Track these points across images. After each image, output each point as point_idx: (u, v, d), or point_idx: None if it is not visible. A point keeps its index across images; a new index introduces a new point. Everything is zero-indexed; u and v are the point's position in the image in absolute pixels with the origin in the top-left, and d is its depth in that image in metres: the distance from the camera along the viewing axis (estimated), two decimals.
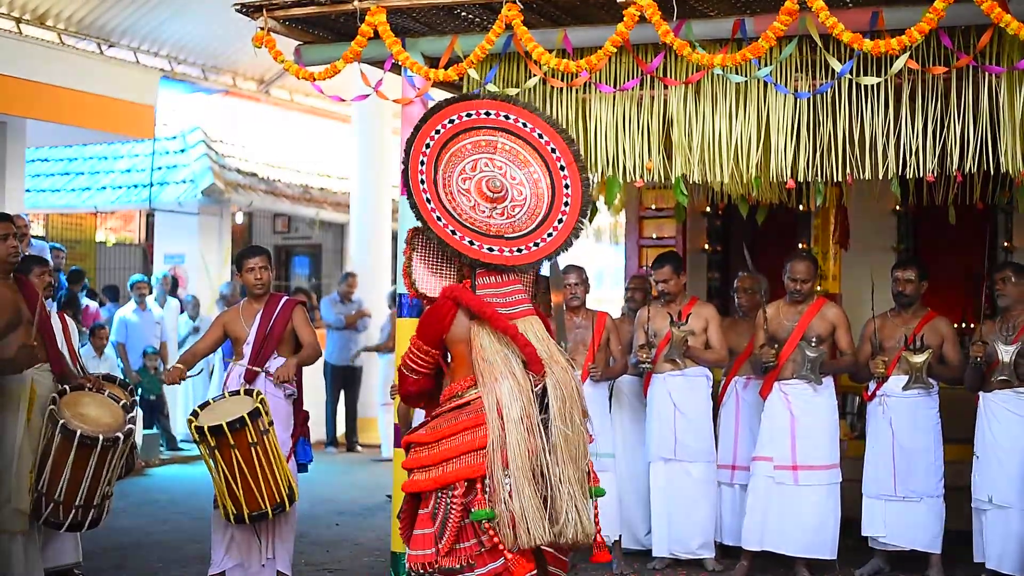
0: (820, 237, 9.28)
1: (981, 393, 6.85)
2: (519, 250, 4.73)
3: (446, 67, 6.68)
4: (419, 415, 5.86)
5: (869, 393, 7.21)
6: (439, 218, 4.69)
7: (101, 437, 6.02)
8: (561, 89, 6.77)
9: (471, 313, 4.67)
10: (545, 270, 6.91)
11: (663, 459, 7.44)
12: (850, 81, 6.17)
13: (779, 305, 7.28)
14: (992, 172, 6.27)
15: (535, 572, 4.60)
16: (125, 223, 17.08)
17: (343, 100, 7.70)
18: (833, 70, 6.06)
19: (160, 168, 14.48)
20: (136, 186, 14.76)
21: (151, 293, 12.67)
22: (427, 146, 4.82)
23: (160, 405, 12.42)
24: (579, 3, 6.47)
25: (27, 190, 12.97)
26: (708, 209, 9.93)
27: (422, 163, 4.77)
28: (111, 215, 16.62)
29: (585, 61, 6.27)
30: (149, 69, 12.75)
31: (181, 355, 6.68)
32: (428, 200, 4.71)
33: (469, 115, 4.93)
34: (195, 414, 6.14)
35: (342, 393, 13.35)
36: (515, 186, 4.82)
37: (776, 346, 7.08)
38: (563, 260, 7.58)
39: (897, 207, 9.39)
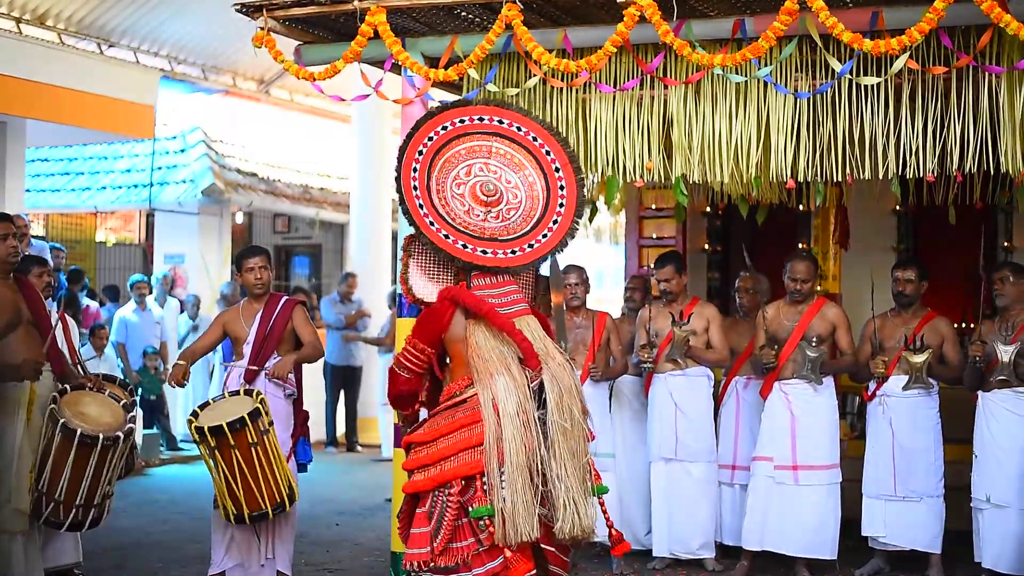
0: (820, 237, 9.28)
1: (980, 393, 6.86)
2: (513, 252, 4.77)
3: (446, 67, 6.68)
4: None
5: (869, 393, 7.21)
6: (432, 223, 4.73)
7: (101, 436, 6.02)
8: (561, 89, 6.77)
9: (468, 312, 4.69)
10: (545, 270, 6.94)
11: (664, 459, 7.44)
12: (850, 81, 6.17)
13: (779, 305, 7.28)
14: (992, 172, 6.27)
15: (535, 572, 4.60)
16: (125, 223, 17.08)
17: (343, 100, 7.70)
18: (833, 70, 6.06)
19: (160, 168, 14.48)
20: (136, 186, 14.76)
21: (151, 293, 12.67)
22: (420, 152, 4.86)
23: (160, 405, 12.42)
24: (579, 3, 6.47)
25: (27, 190, 12.97)
26: (708, 209, 9.93)
27: (415, 169, 4.81)
28: (111, 215, 16.63)
29: (585, 61, 6.27)
30: (149, 69, 12.75)
31: (180, 353, 6.68)
32: (421, 206, 4.75)
33: (462, 121, 4.97)
34: (195, 414, 6.14)
35: (342, 393, 13.36)
36: (510, 189, 4.85)
37: (776, 346, 7.08)
38: (563, 260, 7.61)
39: (897, 207, 9.39)
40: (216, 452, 5.98)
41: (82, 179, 15.46)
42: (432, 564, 4.58)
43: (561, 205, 4.91)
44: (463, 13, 6.68)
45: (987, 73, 5.97)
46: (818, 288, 8.00)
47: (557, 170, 4.96)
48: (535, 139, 5.00)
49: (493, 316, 4.65)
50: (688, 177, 6.76)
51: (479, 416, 4.55)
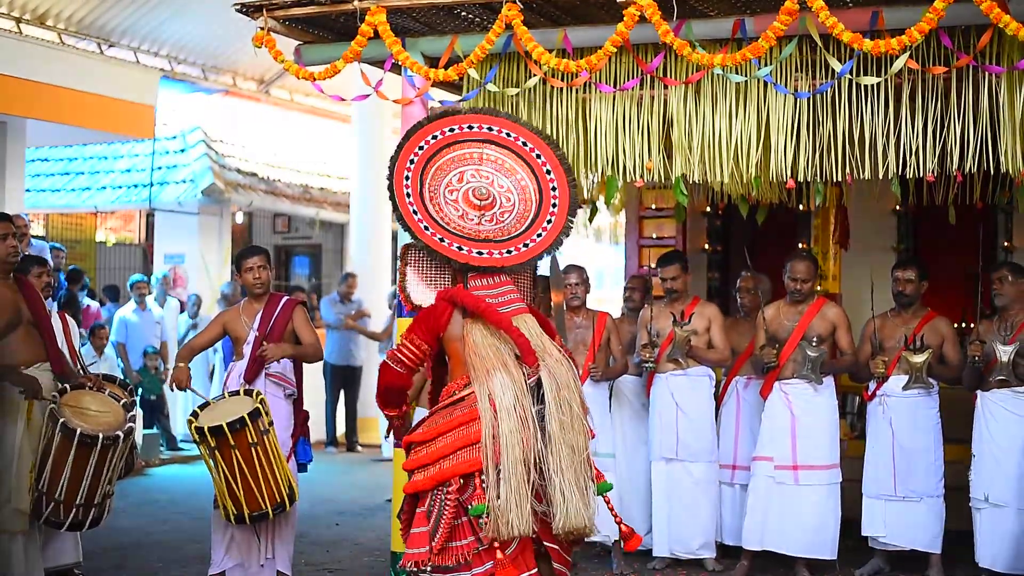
0: (820, 237, 9.28)
1: (979, 392, 6.86)
2: (509, 252, 4.81)
3: (446, 67, 6.69)
4: (418, 415, 5.88)
5: (869, 393, 7.21)
6: (427, 228, 4.78)
7: (101, 436, 6.02)
8: (561, 89, 6.77)
9: (466, 312, 4.71)
10: (545, 270, 6.94)
11: (665, 459, 7.44)
12: (850, 81, 6.17)
13: (779, 305, 7.28)
14: (992, 172, 6.27)
15: (534, 571, 4.61)
16: (125, 223, 17.08)
17: (343, 100, 7.71)
18: (833, 70, 6.06)
19: (160, 168, 14.47)
20: (136, 186, 14.75)
21: (151, 293, 12.67)
22: (411, 161, 4.92)
23: (160, 405, 12.42)
24: (579, 3, 6.47)
25: (27, 190, 12.97)
26: (708, 209, 9.93)
27: (407, 178, 4.87)
28: (111, 215, 16.62)
29: (585, 61, 6.27)
30: (149, 69, 12.75)
31: (179, 350, 6.68)
32: (415, 211, 4.80)
33: (452, 130, 5.04)
34: (195, 414, 6.14)
35: (342, 393, 13.36)
36: (503, 194, 4.90)
37: (777, 346, 7.08)
38: (564, 260, 7.62)
39: (897, 207, 9.39)
40: (216, 452, 5.98)
41: (82, 179, 15.46)
42: (431, 563, 4.58)
43: (554, 206, 4.95)
44: (463, 13, 6.68)
45: (987, 73, 5.97)
46: (818, 288, 8.00)
47: (548, 172, 5.01)
48: (525, 144, 5.06)
49: (490, 314, 4.68)
50: (688, 177, 6.76)
51: (476, 414, 4.56)
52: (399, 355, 4.83)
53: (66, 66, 10.90)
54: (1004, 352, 6.69)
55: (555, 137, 6.83)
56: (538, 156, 5.03)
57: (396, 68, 6.89)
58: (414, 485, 4.70)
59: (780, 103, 6.37)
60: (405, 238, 5.03)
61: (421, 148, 4.96)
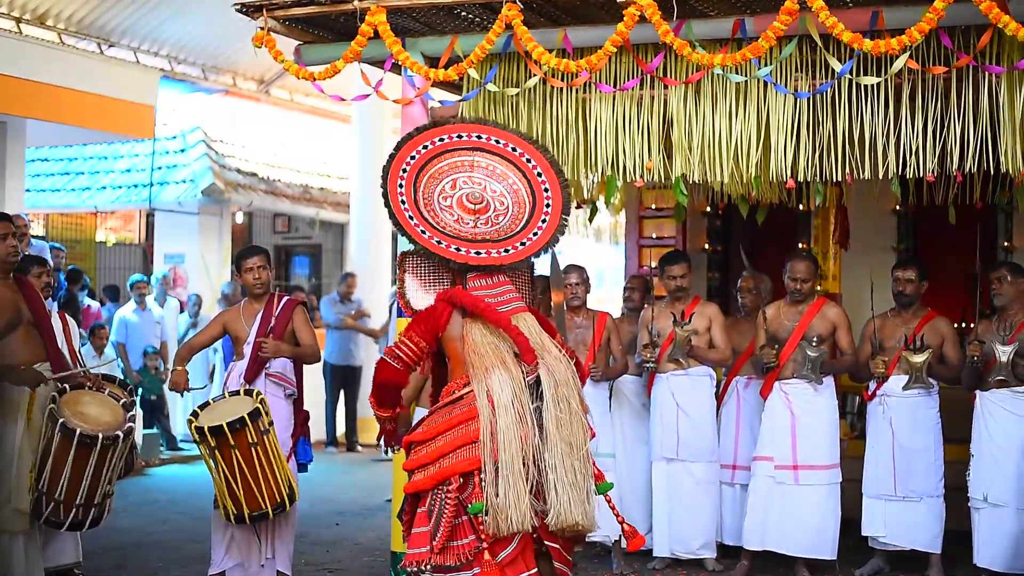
0: (820, 237, 9.28)
1: (978, 392, 6.86)
2: (507, 250, 4.85)
3: (446, 67, 6.69)
4: (418, 415, 5.88)
5: (869, 393, 7.21)
6: (423, 232, 4.83)
7: (101, 435, 6.02)
8: (561, 89, 6.77)
9: (466, 312, 4.73)
10: (546, 270, 6.94)
11: (665, 459, 7.43)
12: (850, 81, 6.17)
13: (780, 305, 7.28)
14: (992, 172, 6.27)
15: (534, 571, 4.61)
16: (125, 223, 17.08)
17: (343, 100, 7.71)
18: (833, 70, 6.06)
19: (160, 168, 14.47)
20: (136, 186, 14.75)
21: (151, 293, 12.67)
22: (403, 171, 4.97)
23: (160, 405, 12.42)
24: (579, 3, 6.48)
25: (27, 190, 12.96)
26: (708, 209, 9.93)
27: (400, 186, 4.93)
28: (111, 215, 16.62)
29: (585, 61, 6.27)
30: (149, 69, 12.75)
31: (178, 350, 6.69)
32: (411, 217, 4.86)
33: (442, 139, 5.10)
34: (195, 414, 6.14)
35: (342, 393, 13.36)
36: (496, 198, 4.95)
37: (777, 346, 7.08)
38: (564, 260, 7.62)
39: (897, 207, 9.39)
40: (216, 452, 5.98)
41: (82, 179, 15.45)
42: (432, 563, 4.58)
43: (547, 206, 5.01)
44: (463, 13, 6.69)
45: (987, 73, 5.97)
46: (818, 288, 8.00)
47: (539, 175, 5.07)
48: (515, 149, 5.13)
49: (489, 312, 4.70)
50: (688, 177, 6.76)
51: (476, 412, 4.57)
52: (397, 351, 4.84)
53: (66, 66, 10.89)
54: (1003, 352, 6.69)
55: (555, 137, 6.85)
56: (528, 160, 5.10)
57: (396, 68, 6.90)
58: (414, 485, 4.70)
59: (780, 103, 6.37)
60: (404, 241, 5.05)
61: (412, 158, 5.01)
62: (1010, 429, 6.71)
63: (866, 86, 6.14)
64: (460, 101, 7.07)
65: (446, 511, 4.57)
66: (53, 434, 5.98)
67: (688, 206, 8.69)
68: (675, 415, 7.39)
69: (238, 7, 6.92)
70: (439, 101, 7.45)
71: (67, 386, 6.22)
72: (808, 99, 6.30)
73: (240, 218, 15.95)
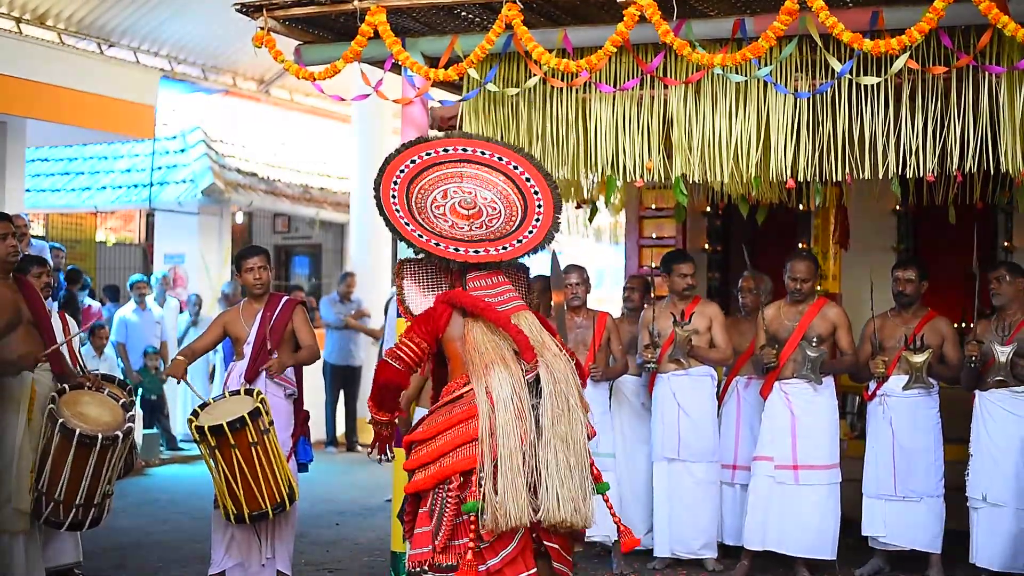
0: (820, 237, 9.28)
1: (977, 392, 6.86)
2: (504, 248, 4.88)
3: (446, 67, 6.69)
4: (418, 415, 5.88)
5: (869, 393, 7.21)
6: (420, 236, 4.85)
7: (100, 436, 6.02)
8: (561, 89, 6.77)
9: (465, 312, 4.74)
10: (545, 270, 6.94)
11: (667, 459, 7.43)
12: (850, 81, 6.17)
13: (780, 305, 7.28)
14: (992, 172, 6.27)
15: (534, 571, 4.61)
16: (125, 223, 17.08)
17: (343, 100, 7.72)
18: (833, 70, 6.06)
19: (160, 168, 14.48)
20: (136, 186, 14.75)
21: (151, 293, 12.67)
22: (395, 183, 5.05)
23: (160, 405, 12.42)
24: (579, 3, 6.47)
25: (27, 190, 12.97)
26: (708, 209, 9.93)
27: (393, 196, 4.98)
28: (111, 215, 16.62)
29: (585, 61, 6.27)
30: (149, 69, 12.75)
31: (180, 351, 6.69)
32: (407, 224, 4.89)
33: (428, 154, 5.17)
34: (195, 414, 6.14)
35: (342, 393, 13.36)
36: (487, 204, 5.02)
37: (777, 346, 7.08)
38: (564, 260, 7.62)
39: (897, 207, 9.38)
40: (216, 452, 5.98)
41: (82, 179, 15.46)
42: (434, 563, 4.58)
43: (539, 207, 5.07)
44: (463, 13, 6.68)
45: (987, 73, 5.97)
46: (818, 288, 8.00)
47: (528, 180, 5.14)
48: (501, 159, 5.19)
49: (488, 311, 4.72)
50: (688, 177, 6.76)
51: (476, 411, 4.57)
52: (398, 352, 4.85)
53: (66, 66, 10.90)
54: (1002, 353, 6.69)
55: (555, 137, 6.86)
56: (515, 168, 5.17)
57: (396, 68, 6.89)
58: (415, 485, 4.70)
59: (780, 103, 6.37)
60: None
61: (402, 172, 5.08)
62: (1009, 429, 6.71)
63: (866, 86, 6.14)
64: (460, 101, 7.07)
65: (447, 510, 4.57)
66: (53, 434, 5.98)
67: (688, 206, 8.69)
68: (676, 415, 7.39)
69: (238, 7, 6.92)
70: (439, 101, 7.46)
71: (66, 386, 6.22)
72: (808, 99, 6.30)
73: (240, 218, 15.95)
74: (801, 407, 7.06)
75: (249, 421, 5.95)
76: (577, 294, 7.47)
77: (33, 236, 10.00)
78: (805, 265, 7.19)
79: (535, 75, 6.55)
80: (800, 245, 9.38)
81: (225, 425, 5.91)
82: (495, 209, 5.00)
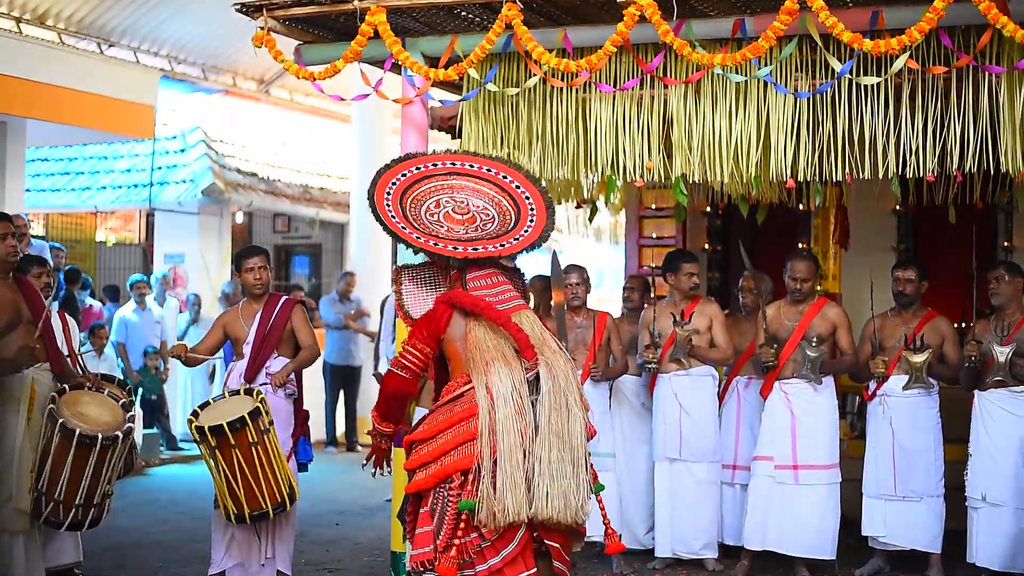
0: (820, 237, 9.28)
1: (976, 392, 6.86)
2: (503, 244, 4.90)
3: (446, 67, 6.69)
4: (418, 415, 5.88)
5: (869, 393, 7.21)
6: (418, 237, 4.89)
7: (100, 436, 6.02)
8: (561, 89, 6.77)
9: (466, 312, 4.75)
10: (546, 270, 6.94)
11: (668, 459, 7.43)
12: (850, 81, 6.17)
13: (780, 305, 7.28)
14: (992, 172, 6.27)
15: (534, 571, 4.61)
16: (125, 223, 17.08)
17: (343, 100, 7.72)
18: (833, 70, 6.06)
19: (160, 168, 14.48)
20: (136, 186, 14.75)
21: (151, 293, 12.67)
22: (388, 193, 5.08)
23: (160, 405, 12.42)
24: (579, 3, 6.47)
25: (27, 190, 12.97)
26: (708, 209, 9.93)
27: (388, 204, 5.00)
28: (111, 215, 16.62)
29: (585, 61, 6.27)
30: (149, 69, 12.75)
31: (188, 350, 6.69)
32: (404, 228, 4.91)
33: (418, 168, 5.22)
34: (195, 414, 6.14)
35: (342, 392, 13.36)
36: (480, 211, 5.07)
37: (776, 346, 7.08)
38: (564, 260, 7.62)
39: (897, 207, 9.38)
40: (216, 452, 5.98)
41: (82, 179, 15.46)
42: (436, 562, 4.58)
43: (532, 210, 5.10)
44: (463, 13, 6.68)
45: (987, 73, 5.97)
46: (818, 288, 8.00)
47: (518, 187, 5.18)
48: (489, 170, 5.24)
49: (489, 310, 4.73)
50: (688, 177, 6.76)
51: (476, 409, 4.57)
52: (403, 361, 4.86)
53: (66, 66, 10.90)
54: (1001, 353, 6.69)
55: (555, 137, 6.86)
56: (504, 177, 5.22)
57: (396, 68, 6.89)
58: (416, 484, 4.70)
59: (780, 103, 6.37)
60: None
61: (394, 183, 5.13)
62: (1008, 429, 6.71)
63: (866, 86, 6.14)
64: (460, 101, 7.07)
65: (448, 509, 4.57)
66: (52, 434, 5.98)
67: (688, 206, 8.69)
68: (678, 415, 7.39)
69: (238, 7, 6.92)
70: (439, 101, 7.45)
71: (66, 386, 6.22)
72: (808, 99, 6.30)
73: (240, 218, 15.95)
74: (801, 407, 7.06)
75: (249, 421, 5.95)
76: (577, 294, 7.47)
77: (33, 236, 10.00)
78: (805, 265, 7.19)
79: (535, 75, 6.55)
80: (800, 245, 9.38)
81: (225, 425, 5.91)
82: (488, 215, 5.04)
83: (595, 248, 18.00)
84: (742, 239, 8.11)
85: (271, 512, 6.08)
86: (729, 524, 7.55)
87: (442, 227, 4.96)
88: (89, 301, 12.20)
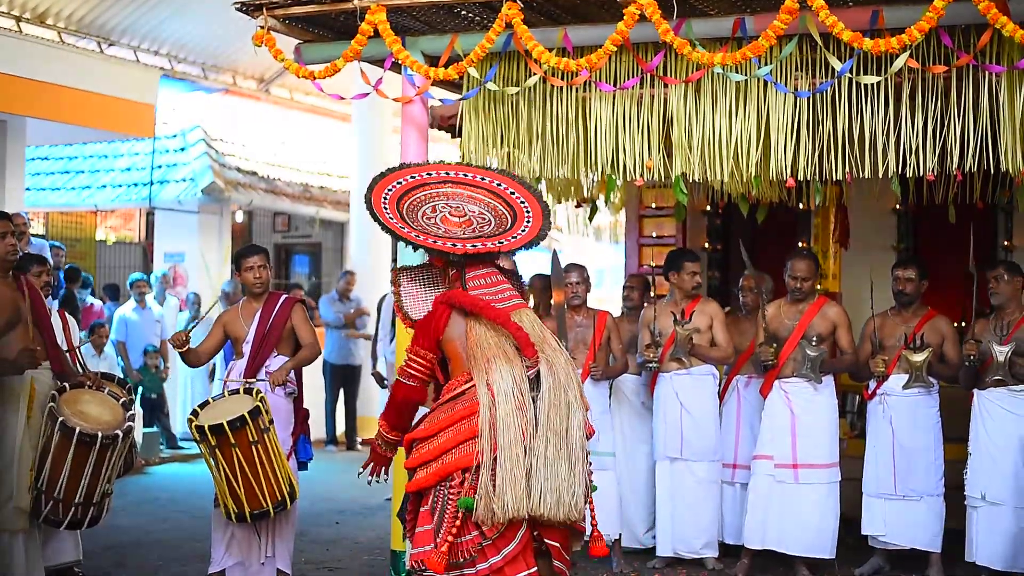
0: (820, 236, 9.28)
1: (975, 391, 6.86)
2: (501, 243, 4.91)
3: (446, 66, 6.69)
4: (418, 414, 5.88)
5: (869, 392, 7.21)
6: (417, 236, 4.90)
7: (100, 434, 6.02)
8: (561, 88, 6.77)
9: (465, 312, 4.75)
10: (546, 269, 6.93)
11: (669, 458, 7.43)
12: (850, 80, 6.17)
13: (780, 304, 7.29)
14: (992, 172, 6.27)
15: (534, 570, 4.61)
16: (125, 222, 17.08)
17: (343, 99, 7.72)
18: (833, 69, 6.06)
19: (160, 167, 14.47)
20: (136, 184, 14.75)
21: (151, 291, 12.67)
22: (385, 198, 5.13)
23: (160, 404, 12.42)
24: (579, 2, 6.48)
25: (27, 188, 12.97)
26: (708, 208, 9.93)
27: (385, 208, 5.06)
28: (111, 213, 16.62)
29: (585, 60, 6.27)
30: (149, 68, 12.75)
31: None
32: (402, 227, 4.93)
33: (413, 177, 5.25)
34: (195, 413, 6.14)
35: (341, 391, 13.36)
36: (476, 216, 5.09)
37: (775, 344, 7.08)
38: (564, 259, 7.62)
39: (897, 206, 9.39)
40: (217, 451, 5.98)
41: (82, 178, 15.46)
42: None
43: (528, 212, 5.12)
44: (463, 12, 6.68)
45: (987, 72, 5.97)
46: (818, 287, 8.00)
47: (512, 193, 5.20)
48: (483, 179, 5.27)
49: (488, 310, 4.74)
50: (688, 176, 6.76)
51: (477, 407, 4.58)
52: (409, 370, 4.86)
53: (66, 65, 10.90)
54: (1000, 352, 6.70)
55: (555, 136, 6.87)
56: (498, 184, 5.24)
57: (396, 67, 6.89)
58: (417, 483, 4.70)
59: (780, 102, 6.37)
60: (401, 245, 5.13)
61: (390, 190, 5.17)
62: (1007, 428, 6.72)
63: (866, 85, 6.14)
64: (460, 100, 7.07)
65: (449, 507, 4.57)
66: (52, 432, 5.98)
67: (688, 205, 8.69)
68: (679, 415, 7.39)
69: (238, 6, 6.92)
70: (439, 100, 7.46)
71: (66, 385, 6.22)
72: (808, 98, 6.30)
73: (240, 217, 15.95)
74: (801, 406, 7.06)
75: (249, 420, 5.95)
76: (577, 293, 7.47)
77: (33, 235, 10.00)
78: (806, 264, 7.20)
79: (535, 74, 6.55)
80: (800, 244, 9.38)
81: (225, 424, 5.91)
82: (484, 218, 5.07)
83: (595, 247, 18.01)
84: (742, 238, 8.12)
85: (272, 511, 6.08)
86: (729, 523, 7.56)
87: (439, 229, 4.98)
88: (90, 300, 12.20)
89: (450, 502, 4.58)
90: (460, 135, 7.26)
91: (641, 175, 6.72)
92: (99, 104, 11.14)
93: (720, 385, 7.74)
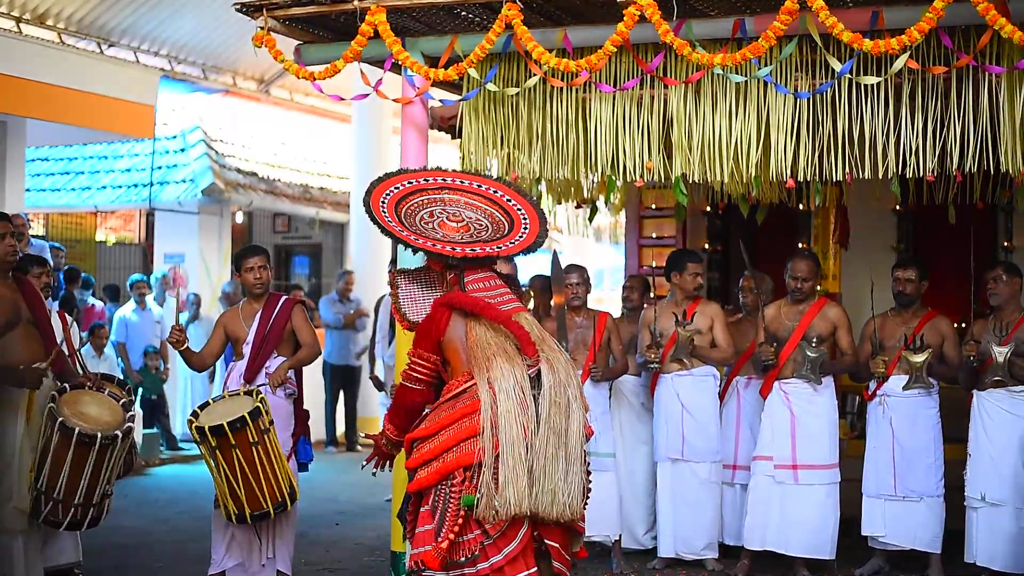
0: (820, 236, 9.28)
1: (975, 392, 6.86)
2: (500, 248, 4.93)
3: (446, 66, 6.69)
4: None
5: (869, 392, 7.21)
6: (416, 239, 4.92)
7: (99, 435, 6.01)
8: (561, 89, 6.78)
9: (465, 313, 4.76)
10: (546, 270, 6.94)
11: (670, 459, 7.43)
12: (850, 81, 6.17)
13: (780, 304, 7.29)
14: (992, 172, 6.28)
15: (534, 570, 4.61)
16: (125, 222, 17.08)
17: (343, 99, 7.72)
18: (833, 70, 6.06)
19: (160, 167, 14.47)
20: (136, 185, 14.75)
21: (151, 292, 12.67)
22: (383, 202, 5.15)
23: (160, 405, 12.42)
24: (579, 3, 6.48)
25: (27, 189, 12.97)
26: (708, 208, 9.93)
27: (384, 211, 5.09)
28: (111, 214, 16.62)
29: (585, 61, 6.27)
30: (149, 69, 12.75)
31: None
32: (400, 231, 4.95)
33: (411, 182, 5.27)
34: (195, 414, 6.14)
35: (341, 392, 13.36)
36: (474, 221, 5.11)
37: (775, 345, 7.08)
38: (564, 260, 7.62)
39: (897, 206, 9.39)
40: (217, 452, 5.98)
41: (82, 178, 15.46)
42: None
43: (525, 219, 5.13)
44: (463, 12, 6.69)
45: (987, 73, 5.97)
46: (818, 288, 8.00)
47: (508, 200, 5.21)
48: (479, 186, 5.28)
49: (488, 310, 4.75)
50: (688, 176, 6.77)
51: (478, 405, 4.58)
52: (413, 373, 4.86)
53: (66, 66, 10.90)
54: (999, 353, 6.69)
55: (555, 137, 6.87)
56: (495, 192, 5.25)
57: (396, 68, 6.90)
58: (418, 482, 4.70)
59: (780, 103, 6.37)
60: (400, 248, 5.14)
61: (389, 194, 5.19)
62: (1007, 429, 6.72)
63: (866, 86, 6.14)
64: (460, 101, 7.07)
65: (450, 506, 4.57)
66: (52, 433, 5.98)
67: (688, 206, 8.69)
68: (680, 416, 7.38)
69: (238, 7, 6.92)
70: (439, 100, 7.46)
71: (67, 385, 6.22)
72: (808, 99, 6.30)
73: (240, 218, 15.94)
74: (801, 407, 7.06)
75: (249, 421, 5.95)
76: (577, 294, 7.47)
77: (33, 236, 10.00)
78: (806, 264, 7.20)
79: (535, 75, 6.56)
80: (800, 245, 9.38)
81: (226, 425, 5.91)
82: (481, 224, 5.09)
83: (595, 248, 18.01)
84: (742, 239, 8.12)
85: (272, 512, 6.08)
86: (729, 524, 7.55)
87: (437, 233, 4.99)
88: (91, 300, 12.20)
89: (451, 500, 4.57)
90: (460, 136, 7.26)
91: (641, 176, 6.73)
92: (99, 105, 11.14)
93: (720, 386, 7.73)
